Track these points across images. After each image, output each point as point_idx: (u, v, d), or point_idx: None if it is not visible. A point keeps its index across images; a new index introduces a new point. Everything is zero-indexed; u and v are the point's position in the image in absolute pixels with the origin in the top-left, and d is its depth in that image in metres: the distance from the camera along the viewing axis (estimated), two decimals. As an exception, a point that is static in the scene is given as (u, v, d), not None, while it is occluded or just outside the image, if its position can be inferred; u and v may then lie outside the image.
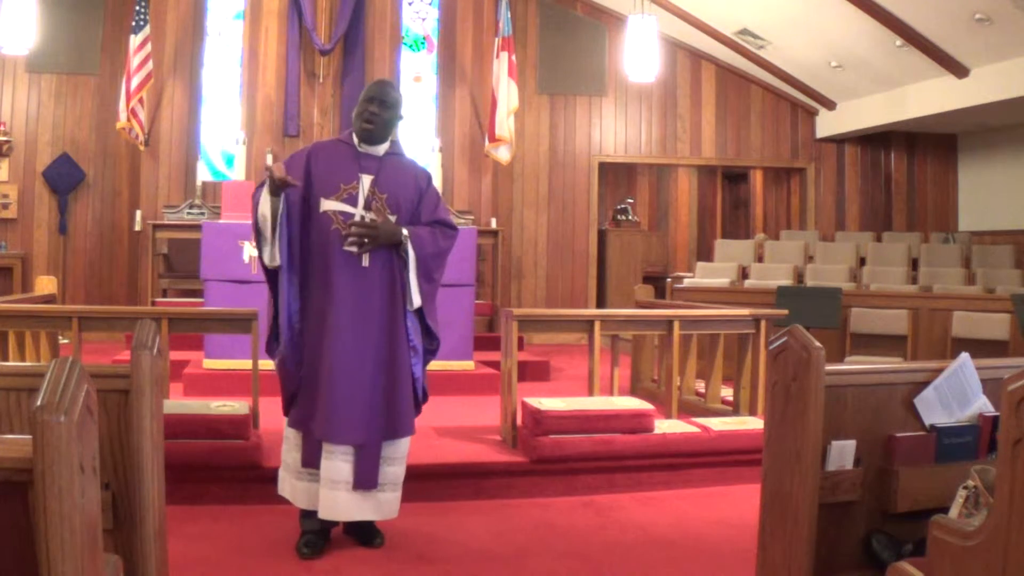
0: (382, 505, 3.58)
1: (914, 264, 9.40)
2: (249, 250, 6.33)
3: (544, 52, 11.02)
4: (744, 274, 9.39)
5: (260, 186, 3.51)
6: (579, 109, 11.19)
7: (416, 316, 3.62)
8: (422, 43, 10.26)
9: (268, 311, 3.66)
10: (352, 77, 9.40)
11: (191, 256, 8.23)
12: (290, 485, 3.60)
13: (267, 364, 4.01)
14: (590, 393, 5.30)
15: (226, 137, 9.54)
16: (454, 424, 5.30)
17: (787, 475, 2.71)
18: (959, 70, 9.01)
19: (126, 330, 6.45)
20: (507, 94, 9.42)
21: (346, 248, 3.49)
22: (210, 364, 6.37)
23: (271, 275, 3.57)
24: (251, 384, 4.88)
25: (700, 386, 6.32)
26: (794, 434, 2.69)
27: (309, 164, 3.57)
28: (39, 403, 1.73)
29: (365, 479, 3.49)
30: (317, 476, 3.50)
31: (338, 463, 3.47)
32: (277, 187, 3.39)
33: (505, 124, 9.43)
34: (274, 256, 3.47)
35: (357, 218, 3.52)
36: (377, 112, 3.56)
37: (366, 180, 3.57)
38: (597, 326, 5.28)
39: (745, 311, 5.77)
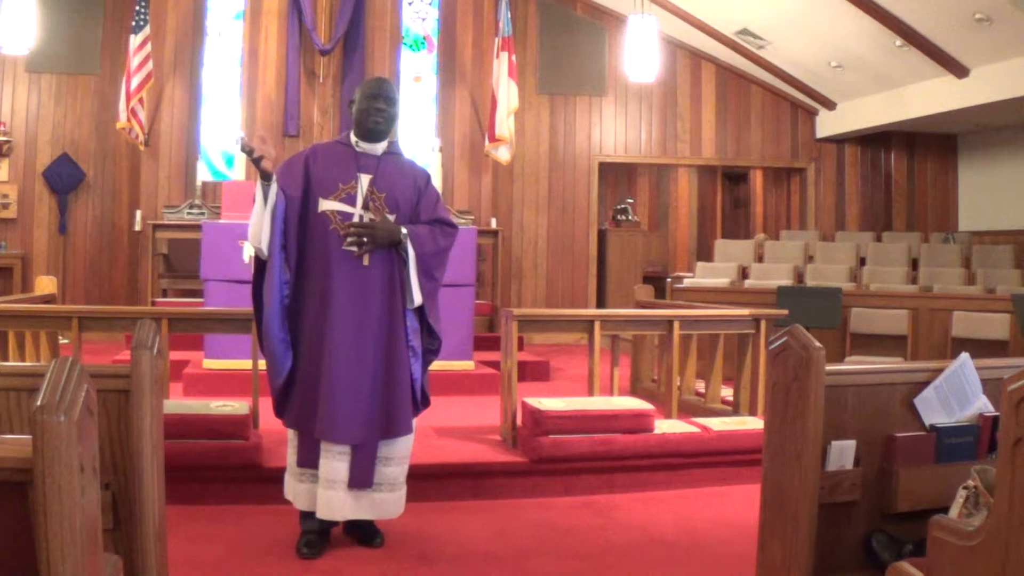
0: (378, 505, 3.57)
1: (914, 264, 9.40)
2: (249, 249, 6.33)
3: (544, 52, 11.02)
4: (744, 274, 9.39)
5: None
6: (579, 109, 11.19)
7: (416, 315, 3.61)
8: (422, 43, 10.26)
9: (252, 294, 3.62)
10: (352, 77, 9.40)
11: (191, 256, 8.22)
12: (292, 487, 3.60)
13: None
14: (590, 393, 5.30)
15: (226, 137, 9.54)
16: (454, 424, 5.30)
17: (787, 475, 2.71)
18: (959, 70, 9.01)
19: (126, 330, 6.44)
20: (507, 94, 9.41)
21: (345, 248, 3.49)
22: (210, 364, 6.37)
23: (259, 262, 3.55)
24: (251, 384, 4.89)
25: (700, 386, 6.31)
26: (794, 434, 2.69)
27: (307, 164, 3.57)
28: (39, 403, 1.73)
29: (360, 478, 3.49)
30: (316, 476, 3.50)
31: (334, 462, 3.47)
32: (256, 162, 3.37)
33: (505, 124, 9.43)
34: (260, 238, 3.42)
35: (356, 218, 3.52)
36: (384, 108, 3.58)
37: (364, 180, 3.57)
38: (597, 326, 5.28)
39: (745, 311, 5.77)
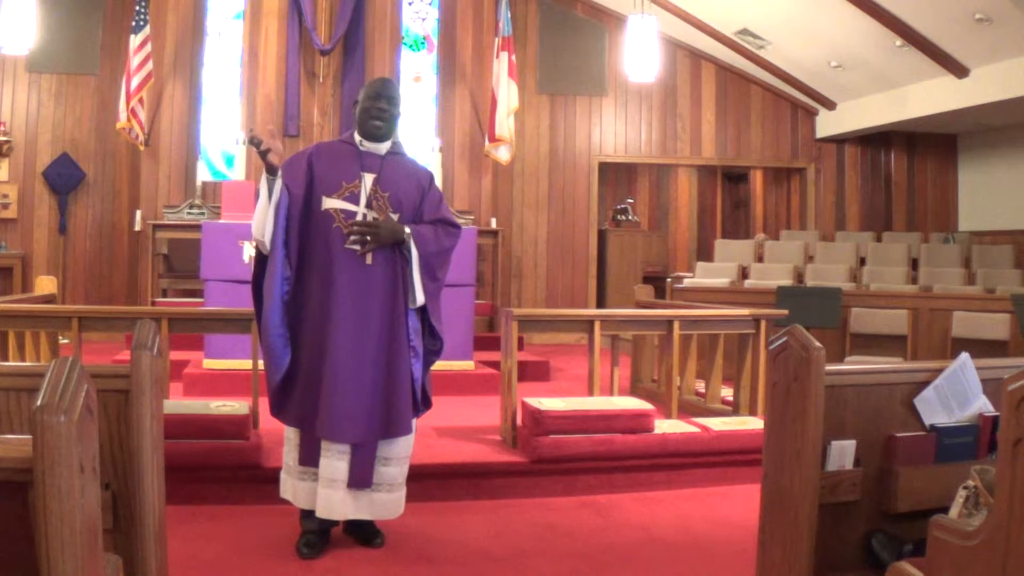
0: (377, 505, 3.57)
1: (914, 264, 9.40)
2: (249, 249, 6.33)
3: (544, 52, 11.02)
4: (744, 274, 9.39)
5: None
6: (579, 109, 11.19)
7: (418, 316, 3.61)
8: (422, 43, 10.26)
9: (252, 290, 3.63)
10: (352, 77, 9.40)
11: (191, 256, 8.23)
12: (291, 486, 3.59)
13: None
14: (590, 393, 5.30)
15: (226, 137, 9.55)
16: (454, 424, 5.30)
17: (787, 475, 2.71)
18: (959, 70, 9.01)
19: (126, 330, 6.45)
20: (507, 94, 9.42)
21: (348, 246, 3.50)
22: (210, 364, 6.37)
23: (260, 257, 3.56)
24: (251, 384, 4.89)
25: (700, 386, 6.31)
26: (794, 434, 2.69)
27: (311, 162, 3.58)
28: (39, 403, 1.73)
29: (360, 478, 3.49)
30: (316, 475, 3.50)
31: (335, 461, 3.47)
32: (263, 155, 3.39)
33: (505, 124, 9.43)
34: (264, 231, 3.44)
35: (359, 216, 3.52)
36: (387, 108, 3.59)
37: (368, 178, 3.57)
38: (597, 326, 5.28)
39: (745, 311, 5.77)
